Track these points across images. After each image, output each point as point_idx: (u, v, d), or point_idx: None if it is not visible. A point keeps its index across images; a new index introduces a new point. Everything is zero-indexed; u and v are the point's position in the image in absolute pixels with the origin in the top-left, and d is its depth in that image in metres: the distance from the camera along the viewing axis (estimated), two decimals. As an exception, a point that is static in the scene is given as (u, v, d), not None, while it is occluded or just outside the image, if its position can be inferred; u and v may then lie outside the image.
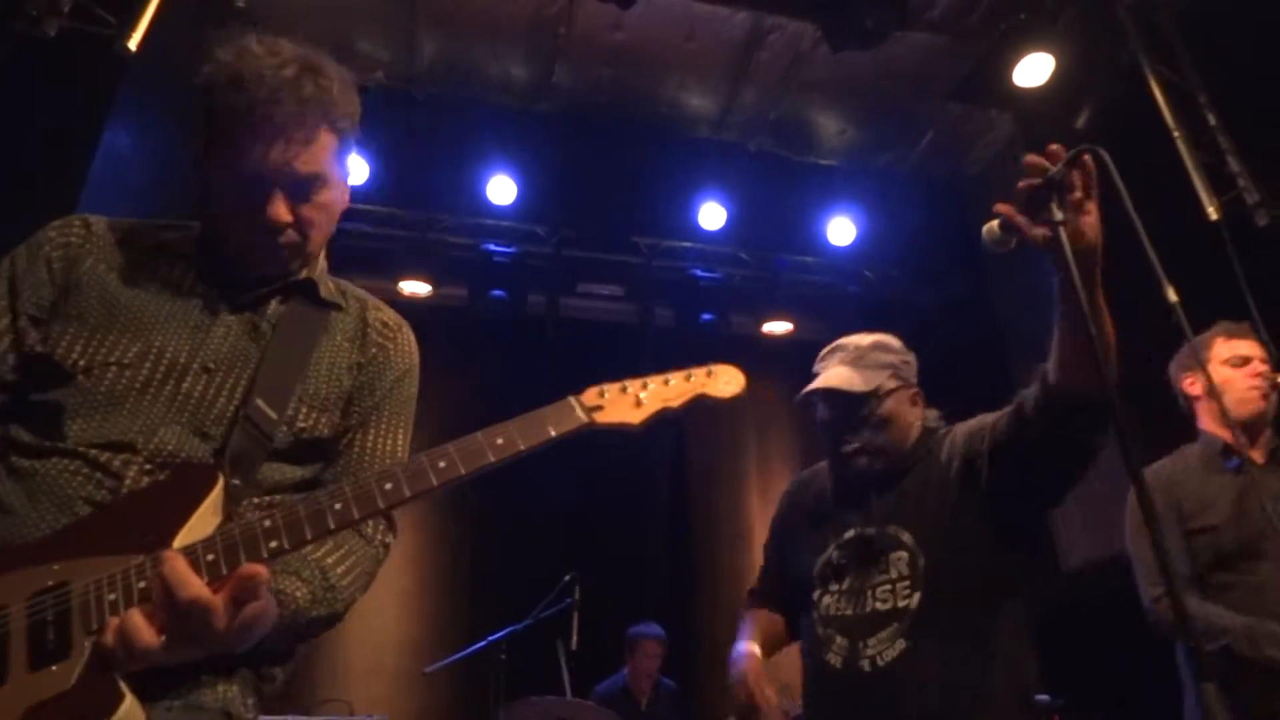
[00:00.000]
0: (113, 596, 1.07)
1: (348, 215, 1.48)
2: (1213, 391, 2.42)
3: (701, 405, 1.28)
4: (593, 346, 6.24)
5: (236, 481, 1.22)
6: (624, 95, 5.71)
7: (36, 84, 3.23)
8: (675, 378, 1.31)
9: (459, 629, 4.45)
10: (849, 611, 1.85)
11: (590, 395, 1.26)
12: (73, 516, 1.15)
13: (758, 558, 2.23)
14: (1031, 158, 1.43)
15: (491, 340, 5.92)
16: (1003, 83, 5.04)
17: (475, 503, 4.97)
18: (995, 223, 1.61)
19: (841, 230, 6.20)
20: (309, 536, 1.12)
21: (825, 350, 2.06)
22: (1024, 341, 5.54)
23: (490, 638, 3.87)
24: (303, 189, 1.31)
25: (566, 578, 3.95)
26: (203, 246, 1.38)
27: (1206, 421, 2.49)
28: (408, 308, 6.06)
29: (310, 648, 1.40)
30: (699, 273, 6.27)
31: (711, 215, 6.01)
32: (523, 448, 1.19)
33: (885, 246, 6.32)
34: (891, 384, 1.96)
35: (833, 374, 1.95)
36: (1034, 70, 4.92)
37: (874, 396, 1.93)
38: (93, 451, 1.19)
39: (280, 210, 1.29)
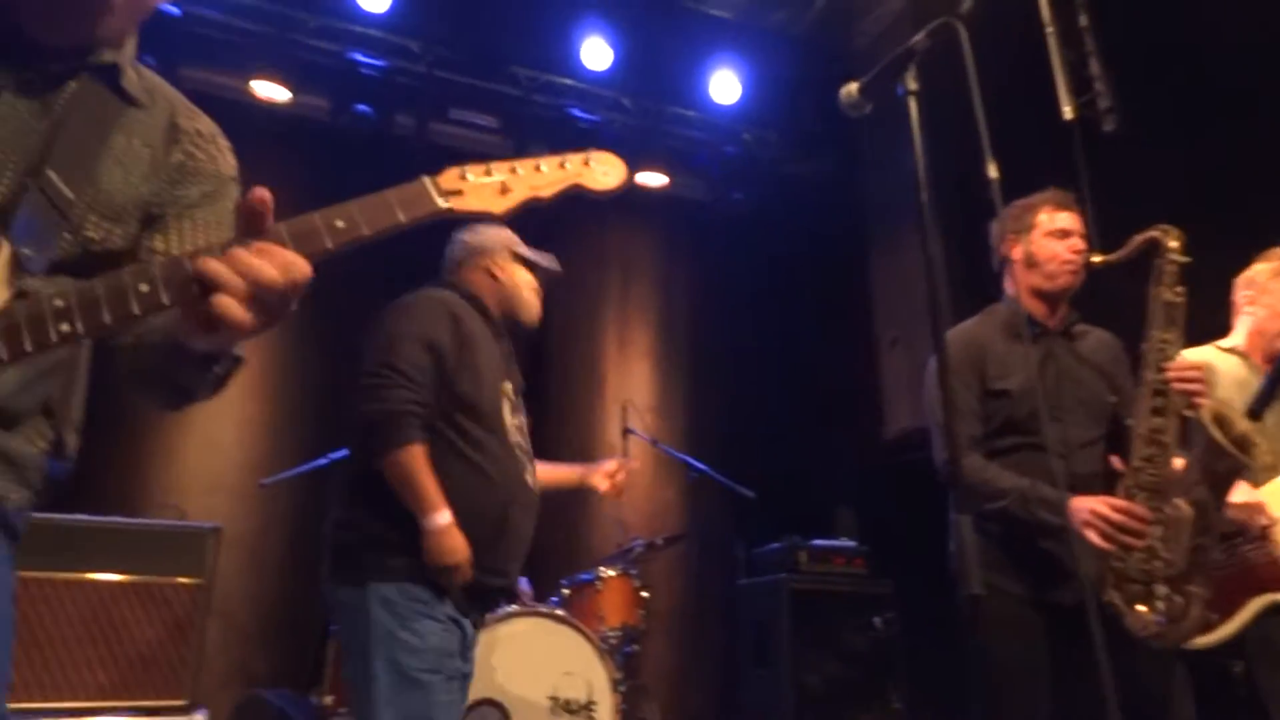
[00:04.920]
0: None
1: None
2: (1031, 261, 2.47)
3: (576, 196, 1.12)
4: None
5: (28, 252, 1.06)
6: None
7: None
8: (548, 163, 1.14)
9: (302, 453, 4.38)
10: None
11: (449, 177, 1.09)
12: None
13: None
14: None
15: (352, 160, 5.57)
16: (900, -47, 5.07)
17: (323, 331, 4.81)
18: (854, 84, 1.83)
19: (726, 87, 6.09)
20: (107, 320, 0.95)
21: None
22: (883, 230, 5.71)
23: (333, 455, 3.86)
24: None
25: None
26: None
27: (1017, 287, 2.52)
28: (258, 111, 5.53)
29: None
30: (578, 113, 6.07)
31: (596, 54, 5.77)
32: (367, 233, 1.03)
33: (767, 111, 6.27)
34: None
35: None
36: (932, -55, 4.93)
37: None
38: None
39: None
